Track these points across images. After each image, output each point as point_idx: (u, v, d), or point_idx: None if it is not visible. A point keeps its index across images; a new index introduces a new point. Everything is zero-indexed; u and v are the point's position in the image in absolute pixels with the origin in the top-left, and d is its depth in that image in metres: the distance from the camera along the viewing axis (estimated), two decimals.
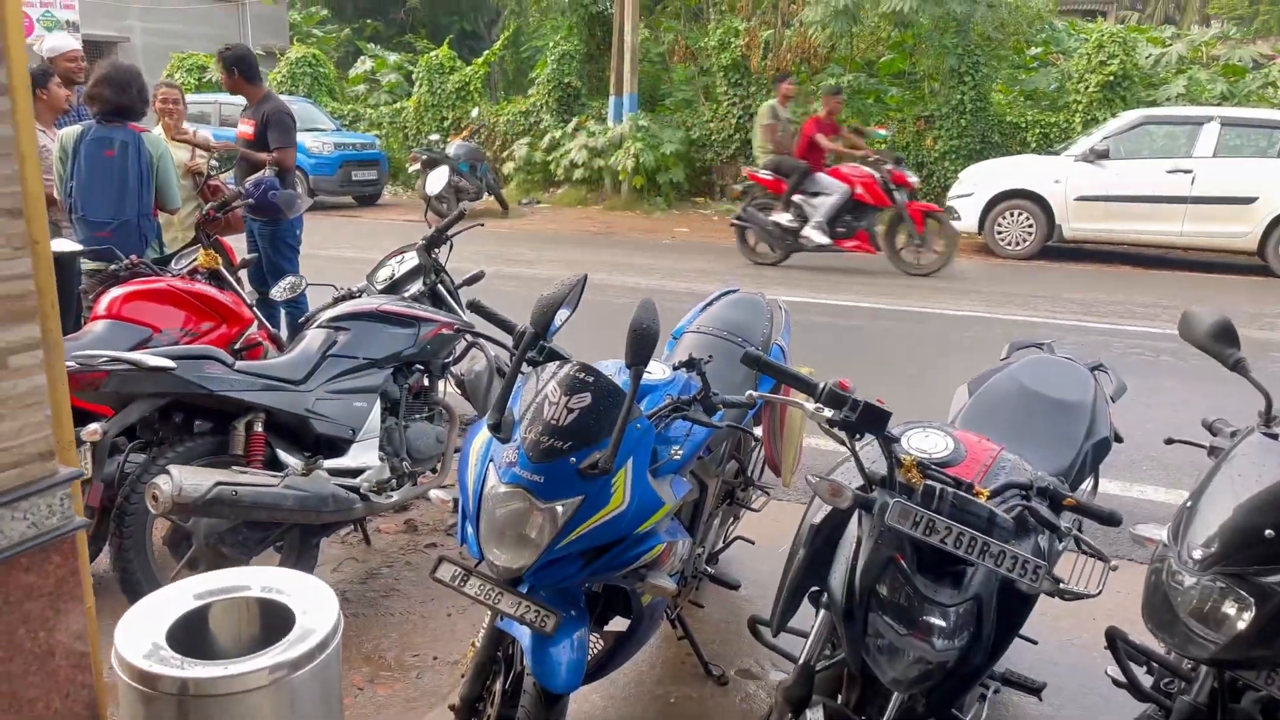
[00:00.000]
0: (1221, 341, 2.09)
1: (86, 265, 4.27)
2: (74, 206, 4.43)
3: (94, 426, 2.95)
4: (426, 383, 3.97)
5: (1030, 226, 10.90)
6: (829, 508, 2.03)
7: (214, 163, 4.91)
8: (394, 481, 3.56)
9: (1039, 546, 1.96)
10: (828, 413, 1.89)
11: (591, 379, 2.14)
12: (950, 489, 1.81)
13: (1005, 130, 13.72)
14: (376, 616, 3.43)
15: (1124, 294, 8.89)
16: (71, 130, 4.40)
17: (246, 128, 5.48)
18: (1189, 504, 1.84)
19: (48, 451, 1.51)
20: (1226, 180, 10.04)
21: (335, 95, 19.60)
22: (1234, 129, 10.35)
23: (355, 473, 3.47)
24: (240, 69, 5.48)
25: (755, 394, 2.18)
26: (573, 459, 2.08)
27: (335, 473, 3.38)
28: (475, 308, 2.73)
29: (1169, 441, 2.48)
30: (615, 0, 15.51)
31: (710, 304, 3.45)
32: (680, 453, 2.47)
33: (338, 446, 3.47)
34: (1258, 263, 10.09)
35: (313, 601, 1.56)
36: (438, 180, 4.48)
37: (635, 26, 15.36)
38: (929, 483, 1.81)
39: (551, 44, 17.19)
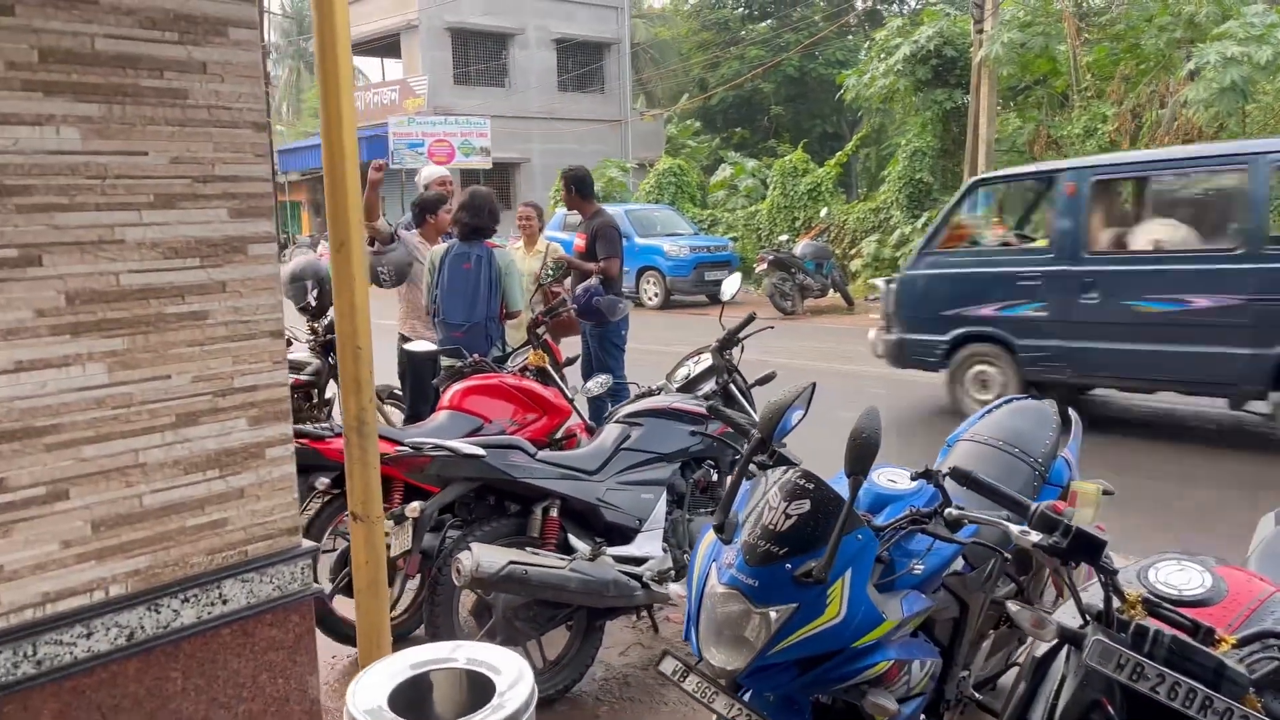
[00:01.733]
0: None
1: (445, 362, 4.99)
2: (437, 311, 5.19)
3: (415, 505, 3.43)
4: (715, 478, 4.13)
5: None
6: (1055, 640, 1.88)
7: (549, 272, 5.53)
8: (674, 572, 3.73)
9: None
10: (1035, 537, 1.78)
11: (812, 486, 2.17)
12: (1168, 631, 1.62)
13: None
14: (651, 704, 3.58)
15: None
16: (438, 249, 5.20)
17: (580, 240, 6.12)
18: None
19: (293, 528, 1.86)
20: None
21: (698, 202, 20.91)
22: None
23: (639, 561, 3.68)
24: (577, 187, 6.15)
25: (954, 512, 2.08)
26: (788, 565, 2.11)
27: (620, 559, 3.62)
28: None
29: None
30: (971, 95, 15.24)
31: (991, 410, 3.30)
32: (921, 567, 2.40)
33: (625, 534, 3.72)
34: None
35: (514, 677, 1.74)
36: (731, 285, 4.69)
37: (991, 119, 14.97)
38: (1141, 622, 1.64)
39: (904, 141, 17.19)
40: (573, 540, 3.62)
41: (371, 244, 5.44)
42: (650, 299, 16.34)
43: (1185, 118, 13.22)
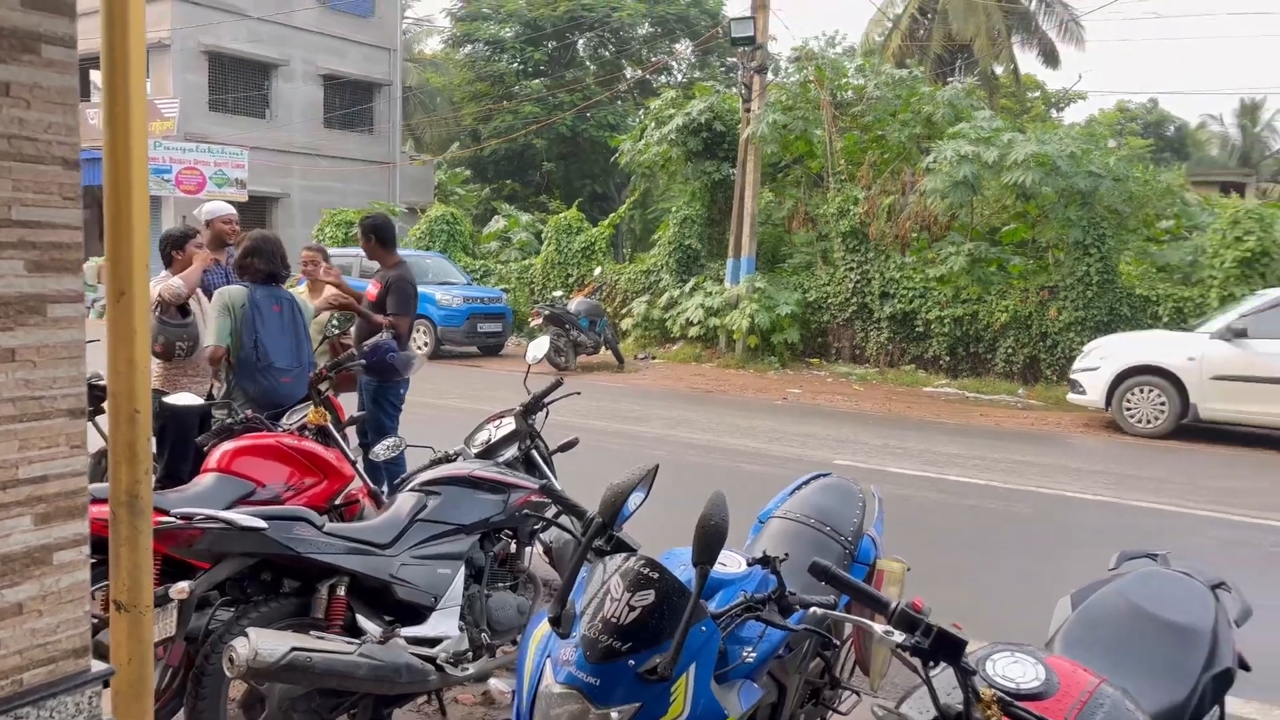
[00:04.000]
0: None
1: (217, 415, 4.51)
2: (260, 355, 4.65)
3: (182, 585, 3.02)
4: (514, 550, 3.94)
5: (1162, 404, 10.38)
6: None
7: (334, 323, 5.17)
8: (471, 653, 3.50)
9: None
10: (898, 637, 1.76)
11: (657, 575, 2.07)
12: None
13: (1135, 303, 13.31)
14: None
15: (1270, 482, 8.28)
16: (237, 291, 4.68)
17: (373, 289, 5.78)
18: None
19: (83, 648, 1.54)
20: None
21: (470, 251, 20.64)
22: None
23: (434, 642, 3.43)
24: (377, 235, 5.80)
25: (820, 611, 2.05)
26: (632, 661, 1.99)
27: (414, 641, 3.35)
28: (547, 491, 2.71)
29: None
30: (738, 169, 16.05)
31: (800, 487, 3.35)
32: (753, 655, 2.35)
33: (419, 613, 3.45)
34: None
35: None
36: (538, 348, 4.57)
37: (755, 194, 15.82)
38: None
39: (675, 208, 17.84)
40: (361, 621, 3.32)
41: (165, 310, 4.94)
42: (419, 348, 15.84)
43: (924, 205, 14.55)
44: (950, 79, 27.92)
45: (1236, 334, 10.07)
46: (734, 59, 21.69)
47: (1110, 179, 13.40)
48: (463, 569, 3.59)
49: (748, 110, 15.62)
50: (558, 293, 16.22)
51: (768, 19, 15.76)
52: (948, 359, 14.48)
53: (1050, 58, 30.08)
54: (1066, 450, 9.74)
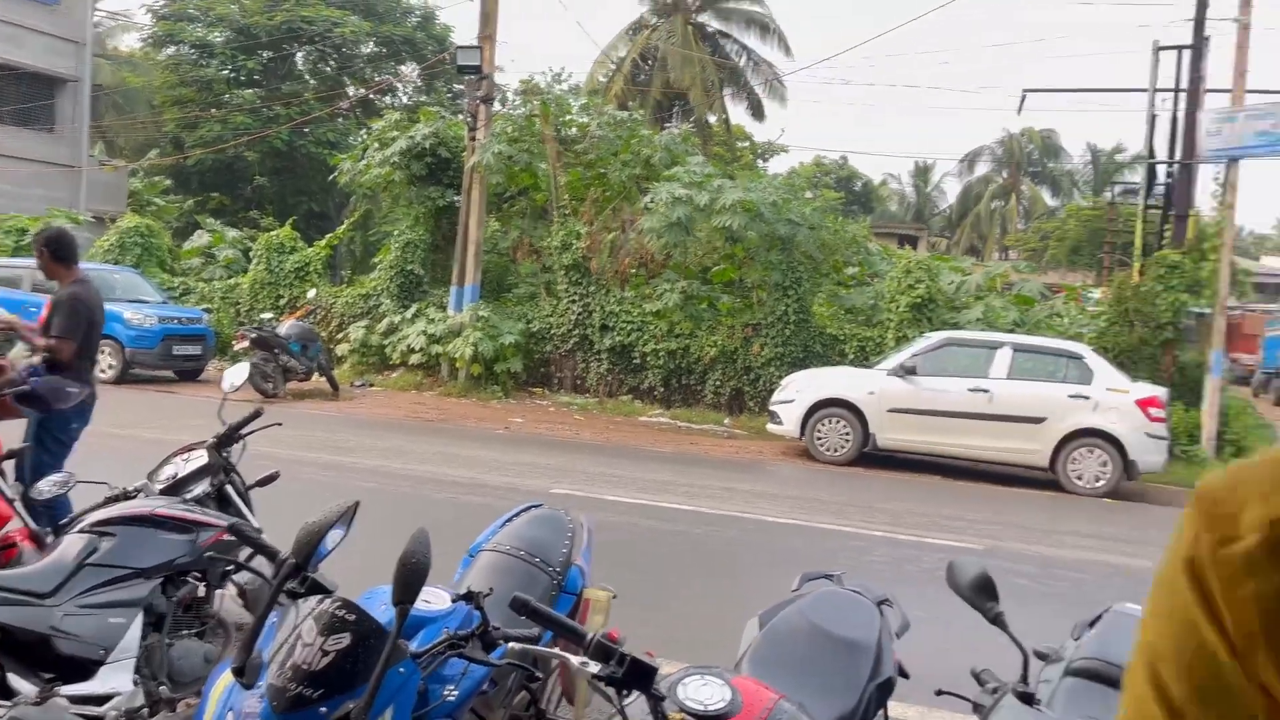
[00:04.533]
0: (982, 595, 2.14)
1: None
2: None
3: None
4: (203, 593, 3.65)
5: (848, 434, 11.42)
6: None
7: None
8: (147, 709, 3.18)
9: None
10: (593, 667, 1.80)
11: (354, 617, 2.00)
12: None
13: (826, 341, 14.58)
14: None
15: (932, 505, 9.32)
16: None
17: (46, 311, 5.16)
18: None
19: None
20: (1019, 400, 10.89)
21: (168, 268, 19.03)
22: (1025, 354, 11.33)
23: (103, 700, 3.09)
24: (53, 250, 5.18)
25: (519, 645, 2.06)
26: (323, 709, 1.91)
27: (79, 700, 3.00)
28: (235, 531, 2.54)
29: (939, 693, 2.50)
30: (463, 196, 15.96)
31: (510, 519, 3.35)
32: (454, 693, 2.32)
33: (87, 668, 3.10)
34: (1051, 477, 10.82)
35: None
36: (237, 375, 4.28)
37: (480, 222, 15.79)
38: None
39: (397, 232, 17.42)
40: (13, 681, 2.93)
41: None
42: (104, 371, 14.36)
43: (641, 243, 15.16)
44: (668, 124, 29.44)
45: (908, 371, 11.29)
46: (460, 85, 21.60)
47: (806, 227, 14.63)
48: (140, 616, 3.27)
49: (473, 139, 15.60)
50: (267, 315, 15.27)
51: (494, 50, 15.85)
52: (662, 390, 15.12)
53: (757, 111, 32.53)
54: (766, 477, 10.45)
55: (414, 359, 15.64)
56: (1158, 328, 13.45)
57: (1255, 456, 0.69)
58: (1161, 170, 18.00)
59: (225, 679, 2.02)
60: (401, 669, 2.01)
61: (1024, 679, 1.98)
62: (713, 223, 14.30)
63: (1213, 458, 12.52)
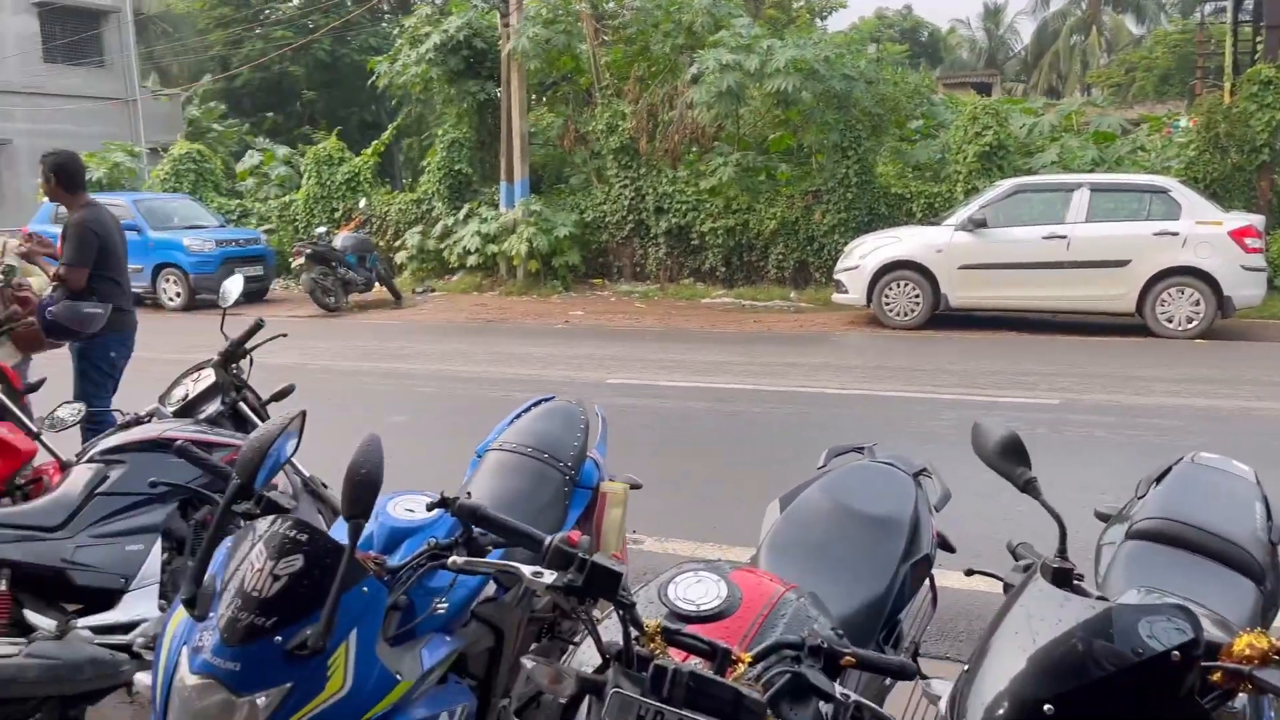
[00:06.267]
0: (1010, 459, 1.86)
1: None
2: None
3: None
4: None
5: (917, 297, 10.94)
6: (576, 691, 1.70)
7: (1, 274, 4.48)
8: None
9: (821, 717, 1.67)
10: (549, 578, 1.59)
11: (305, 537, 1.82)
12: (685, 667, 1.51)
13: (891, 202, 13.93)
14: None
15: (1005, 362, 8.88)
16: None
17: (60, 241, 5.08)
18: (968, 666, 1.58)
19: None
20: (1100, 244, 10.23)
21: (222, 191, 19.12)
22: (1104, 194, 10.60)
23: (129, 627, 3.05)
24: (59, 176, 5.05)
25: (460, 560, 1.84)
26: (279, 638, 1.75)
27: (101, 630, 2.96)
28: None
29: (969, 573, 2.24)
30: (502, 88, 15.50)
31: (519, 415, 3.15)
32: (445, 605, 2.15)
33: (109, 598, 3.05)
34: (1138, 322, 10.23)
35: None
36: (233, 288, 4.13)
37: (523, 114, 15.34)
38: (660, 662, 1.52)
39: (441, 132, 17.08)
40: (30, 617, 2.89)
41: None
42: (171, 300, 14.61)
43: (691, 118, 14.57)
44: None
45: (977, 224, 10.69)
46: None
47: (864, 81, 13.82)
48: (159, 542, 3.20)
49: (506, 25, 15.03)
50: (321, 229, 15.25)
51: None
52: (723, 270, 14.73)
53: None
54: (831, 348, 10.12)
55: (471, 260, 15.50)
56: (1252, 151, 12.44)
57: None
58: None
59: (180, 613, 1.87)
60: (365, 588, 1.83)
61: (1061, 552, 1.71)
62: (765, 88, 13.61)
63: None
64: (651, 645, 1.58)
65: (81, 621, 2.93)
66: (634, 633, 1.58)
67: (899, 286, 11.04)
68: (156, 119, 27.30)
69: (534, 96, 16.69)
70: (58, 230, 11.78)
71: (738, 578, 1.87)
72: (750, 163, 14.73)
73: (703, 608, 1.77)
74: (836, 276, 11.75)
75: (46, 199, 5.05)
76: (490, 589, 2.40)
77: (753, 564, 2.26)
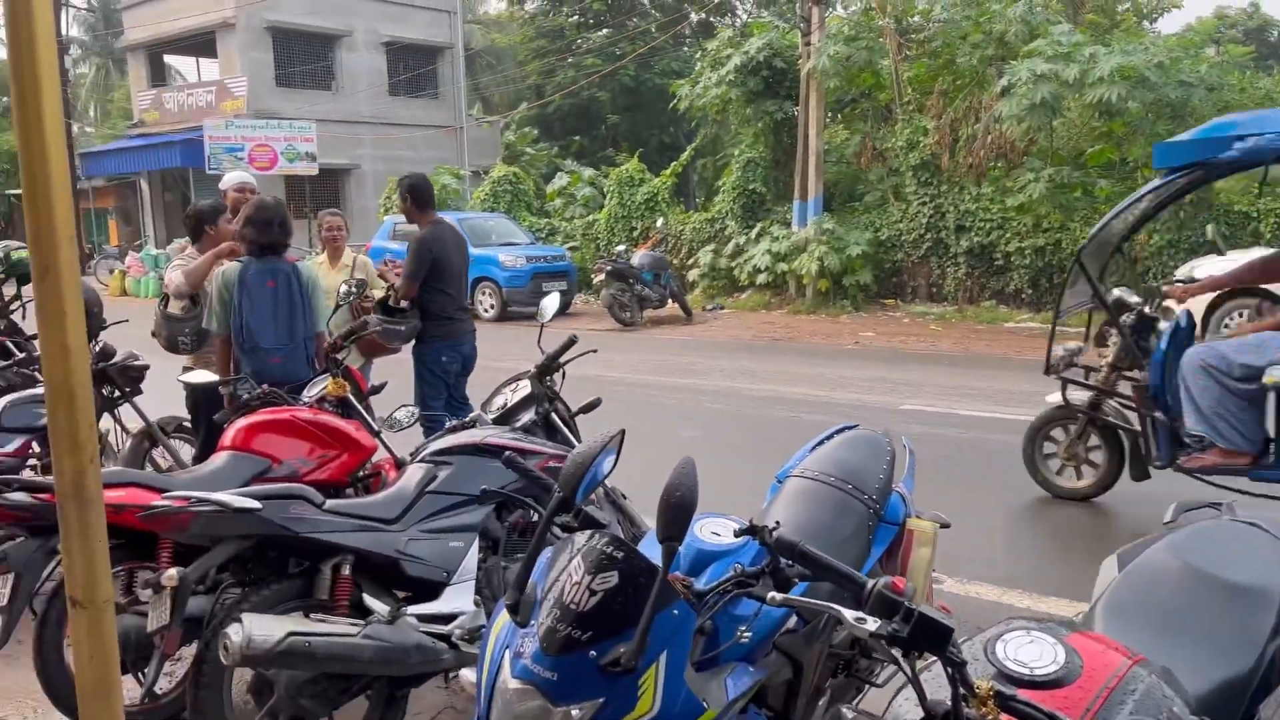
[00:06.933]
0: None
1: (224, 391, 4.44)
2: (245, 337, 4.57)
3: (172, 573, 2.92)
4: (535, 519, 3.77)
5: None
6: None
7: (351, 289, 5.01)
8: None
9: None
10: (871, 625, 1.50)
11: (621, 555, 1.85)
12: None
13: (1234, 221, 12.43)
14: None
15: None
16: (229, 269, 4.58)
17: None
18: None
19: None
20: None
21: (535, 210, 20.51)
22: None
23: (448, 618, 3.28)
24: (413, 196, 5.60)
25: (779, 596, 1.78)
26: (593, 652, 1.78)
27: (425, 619, 3.21)
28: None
29: None
30: (800, 106, 15.47)
31: (821, 443, 3.07)
32: (749, 635, 2.11)
33: (432, 589, 3.31)
34: None
35: None
36: (550, 305, 4.36)
37: (820, 132, 15.22)
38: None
39: (738, 152, 17.33)
40: (368, 600, 3.18)
41: (166, 303, 4.90)
42: (486, 311, 15.84)
43: (999, 132, 13.80)
44: None
45: None
46: None
47: (1204, 88, 12.46)
48: (477, 541, 3.43)
49: (807, 44, 14.99)
50: (620, 247, 15.94)
51: None
52: (1030, 292, 13.79)
53: None
54: None
55: (761, 279, 15.57)
56: None
57: None
58: None
59: (504, 617, 1.97)
60: (675, 610, 1.83)
61: None
62: (1085, 98, 12.61)
63: None
64: (983, 709, 1.45)
65: (410, 609, 3.19)
66: (962, 692, 1.46)
67: (1242, 316, 9.80)
68: (478, 144, 29.84)
69: (830, 114, 16.52)
70: (392, 245, 13.04)
71: (1076, 642, 1.69)
72: (1065, 178, 13.68)
73: (1036, 672, 1.62)
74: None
75: (394, 214, 5.61)
76: (791, 620, 2.34)
77: (1085, 624, 2.05)
